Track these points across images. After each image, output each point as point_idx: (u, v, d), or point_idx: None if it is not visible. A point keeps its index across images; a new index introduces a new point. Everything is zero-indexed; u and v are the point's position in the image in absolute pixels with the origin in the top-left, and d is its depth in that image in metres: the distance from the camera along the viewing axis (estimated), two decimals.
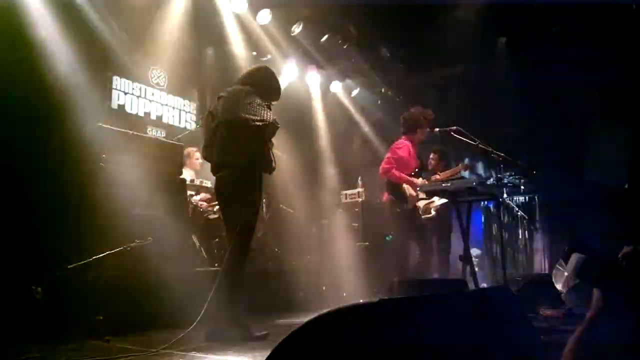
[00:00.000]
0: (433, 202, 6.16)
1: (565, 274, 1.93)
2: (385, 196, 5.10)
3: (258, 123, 3.39)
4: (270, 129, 3.51)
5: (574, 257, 1.91)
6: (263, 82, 3.71)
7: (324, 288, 5.71)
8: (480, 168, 7.31)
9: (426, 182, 4.79)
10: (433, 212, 6.15)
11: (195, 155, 6.00)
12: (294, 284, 5.58)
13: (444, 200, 5.84)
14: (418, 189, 4.70)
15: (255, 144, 3.50)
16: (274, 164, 3.65)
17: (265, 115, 3.42)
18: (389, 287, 3.25)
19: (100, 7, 5.43)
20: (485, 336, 1.38)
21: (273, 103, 3.75)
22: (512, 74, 7.67)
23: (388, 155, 5.07)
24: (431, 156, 6.20)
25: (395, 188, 5.01)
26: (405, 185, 4.96)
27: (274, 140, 3.71)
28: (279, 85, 3.86)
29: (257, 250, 5.60)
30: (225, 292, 3.36)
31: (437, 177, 5.39)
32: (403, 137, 5.19)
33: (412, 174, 5.06)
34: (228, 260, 3.48)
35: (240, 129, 3.44)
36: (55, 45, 4.87)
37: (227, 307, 3.37)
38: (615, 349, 1.71)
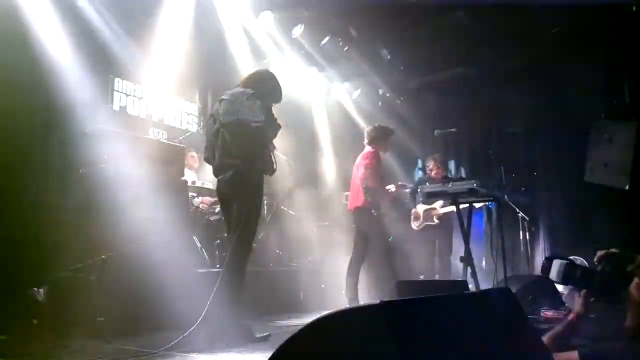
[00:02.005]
0: (435, 209, 6.16)
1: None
2: (362, 202, 5.10)
3: (259, 125, 3.40)
4: (271, 131, 3.52)
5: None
6: (264, 85, 3.73)
7: (322, 286, 5.71)
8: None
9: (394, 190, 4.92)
10: (436, 220, 6.16)
11: (190, 153, 6.01)
12: (295, 285, 5.59)
13: (447, 210, 5.86)
14: (419, 189, 4.73)
15: (256, 146, 3.51)
16: (275, 166, 3.66)
17: (264, 117, 3.43)
18: (390, 289, 3.25)
19: (102, 9, 5.45)
20: (486, 337, 1.38)
21: (275, 105, 3.76)
22: (513, 76, 7.67)
23: (367, 162, 5.05)
24: (431, 164, 6.22)
25: (374, 192, 5.03)
26: (381, 193, 5.05)
27: (275, 142, 3.72)
28: (280, 88, 3.87)
29: (258, 252, 5.61)
30: (226, 293, 3.37)
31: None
32: (370, 147, 5.23)
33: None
34: (229, 261, 3.49)
35: (242, 131, 3.45)
36: (57, 47, 4.88)
37: (228, 309, 3.38)
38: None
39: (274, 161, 3.66)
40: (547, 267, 2.03)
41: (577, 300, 1.99)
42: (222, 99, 3.67)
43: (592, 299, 1.96)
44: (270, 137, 3.58)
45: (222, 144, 3.53)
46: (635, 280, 1.71)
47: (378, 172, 5.04)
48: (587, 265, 1.93)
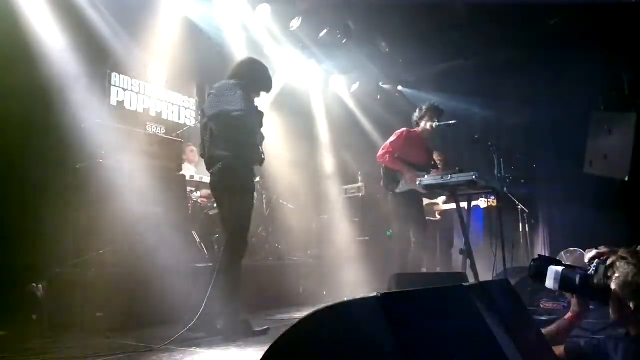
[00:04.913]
0: (437, 204, 6.14)
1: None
2: (382, 182, 5.01)
3: (237, 113, 3.38)
4: (253, 119, 3.48)
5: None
6: (248, 74, 3.70)
7: (324, 293, 5.69)
8: None
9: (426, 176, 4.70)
10: (438, 217, 6.14)
11: (190, 148, 6.00)
12: (295, 279, 5.58)
13: (449, 206, 5.81)
14: (417, 182, 4.64)
15: (241, 135, 3.48)
16: (262, 156, 3.64)
17: (244, 105, 3.41)
18: (388, 281, 3.24)
19: (99, 4, 5.41)
20: (485, 329, 1.37)
21: (266, 93, 3.75)
22: (511, 67, 7.64)
23: (389, 141, 4.95)
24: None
25: (388, 171, 4.89)
26: (400, 172, 4.84)
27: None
28: (266, 76, 3.80)
29: (257, 246, 5.61)
30: (224, 287, 3.36)
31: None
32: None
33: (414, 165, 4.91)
34: (224, 255, 3.46)
35: (225, 122, 3.45)
36: (53, 42, 4.85)
37: (227, 303, 3.38)
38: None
39: (262, 151, 3.63)
40: (537, 271, 1.98)
41: (573, 301, 1.98)
42: (210, 93, 3.69)
43: (588, 301, 1.93)
44: (253, 125, 3.53)
45: (211, 137, 3.55)
46: (615, 274, 1.70)
47: (394, 151, 4.83)
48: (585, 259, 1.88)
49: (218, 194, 3.64)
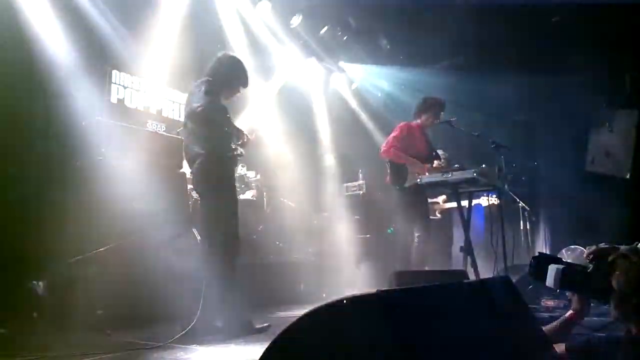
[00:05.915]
0: (438, 203, 6.12)
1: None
2: (388, 178, 4.99)
3: (200, 109, 3.42)
4: (215, 113, 3.47)
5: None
6: (217, 71, 3.70)
7: (324, 295, 5.68)
8: None
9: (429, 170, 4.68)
10: (438, 215, 6.12)
11: None
12: (295, 276, 5.59)
13: (449, 205, 5.79)
14: (418, 180, 4.63)
15: (209, 131, 3.49)
16: (237, 151, 3.63)
17: (206, 100, 3.42)
18: (389, 278, 3.23)
19: (99, 1, 5.40)
20: (486, 327, 1.37)
21: (242, 89, 3.79)
22: (513, 65, 7.62)
23: (392, 135, 4.93)
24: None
25: (394, 166, 4.87)
26: (407, 165, 4.81)
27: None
28: (242, 70, 3.78)
29: (258, 243, 5.60)
30: (218, 287, 3.35)
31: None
32: (415, 120, 5.08)
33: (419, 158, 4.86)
34: (210, 257, 3.44)
35: (195, 119, 3.50)
36: (54, 40, 4.84)
37: (224, 301, 3.37)
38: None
39: (235, 147, 3.62)
40: (537, 269, 1.97)
41: (574, 299, 1.97)
42: (189, 93, 3.74)
43: (589, 299, 1.93)
44: (221, 121, 3.52)
45: (188, 136, 3.60)
46: (616, 272, 1.68)
47: (399, 145, 4.83)
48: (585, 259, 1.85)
49: (198, 191, 3.71)
